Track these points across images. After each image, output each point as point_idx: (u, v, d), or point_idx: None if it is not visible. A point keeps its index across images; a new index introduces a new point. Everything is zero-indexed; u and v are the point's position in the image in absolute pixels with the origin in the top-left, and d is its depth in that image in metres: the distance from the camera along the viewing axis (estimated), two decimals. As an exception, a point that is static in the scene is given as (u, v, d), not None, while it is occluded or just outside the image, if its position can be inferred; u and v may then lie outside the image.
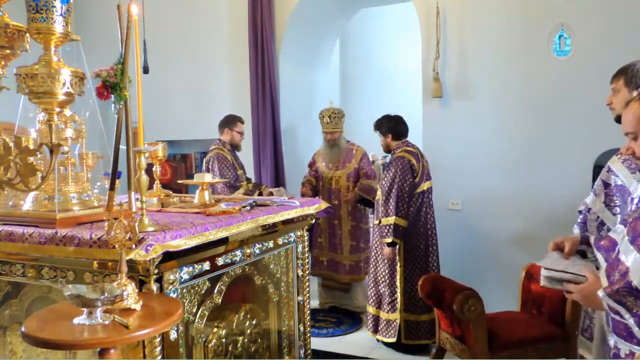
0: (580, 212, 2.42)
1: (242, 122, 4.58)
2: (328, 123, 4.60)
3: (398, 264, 3.80)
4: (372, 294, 3.99)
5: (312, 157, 4.92)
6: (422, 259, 3.81)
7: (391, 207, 3.71)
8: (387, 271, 3.85)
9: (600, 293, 1.55)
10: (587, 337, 2.28)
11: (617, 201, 2.18)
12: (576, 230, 2.34)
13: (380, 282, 3.91)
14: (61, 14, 1.85)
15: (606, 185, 2.24)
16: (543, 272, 1.75)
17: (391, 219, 3.69)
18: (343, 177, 4.66)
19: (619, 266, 1.54)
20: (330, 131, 4.61)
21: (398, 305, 3.79)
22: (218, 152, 4.36)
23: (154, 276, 1.82)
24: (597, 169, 4.18)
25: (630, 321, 1.51)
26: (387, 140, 3.96)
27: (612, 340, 1.64)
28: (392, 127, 3.94)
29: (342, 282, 4.68)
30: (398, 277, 3.79)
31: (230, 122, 4.50)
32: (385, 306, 3.87)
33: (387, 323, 3.88)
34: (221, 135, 4.51)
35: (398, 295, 3.78)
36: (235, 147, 4.50)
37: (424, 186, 3.86)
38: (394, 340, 3.82)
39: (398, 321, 3.79)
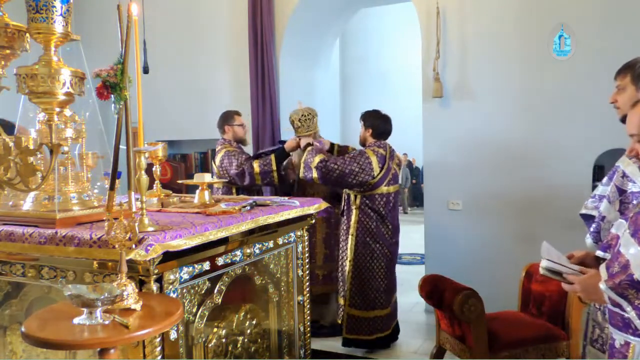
0: (582, 215, 2.35)
1: (239, 115, 4.26)
2: (299, 127, 4.09)
3: (348, 259, 3.83)
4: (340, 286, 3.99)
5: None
6: (375, 259, 3.78)
7: (335, 162, 3.67)
8: (343, 264, 3.91)
9: (602, 286, 1.56)
10: (598, 348, 2.21)
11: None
12: (588, 240, 2.21)
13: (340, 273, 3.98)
14: (61, 14, 1.85)
15: (621, 192, 2.08)
16: (543, 263, 1.76)
17: (317, 160, 3.69)
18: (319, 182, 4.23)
19: (619, 258, 1.56)
20: (303, 135, 4.09)
21: (345, 299, 3.85)
22: (226, 150, 4.07)
23: (154, 276, 1.82)
24: (597, 169, 4.18)
25: (632, 314, 1.53)
26: (366, 135, 3.88)
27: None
28: (377, 124, 3.87)
29: (316, 293, 4.07)
30: (347, 271, 3.84)
31: (227, 118, 4.22)
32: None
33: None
34: (223, 135, 4.23)
35: (346, 289, 3.84)
36: (240, 142, 4.21)
37: (386, 189, 3.78)
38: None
39: (343, 313, 3.87)
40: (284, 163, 4.14)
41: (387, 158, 3.78)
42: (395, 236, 3.91)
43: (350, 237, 3.80)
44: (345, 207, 3.92)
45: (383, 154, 3.77)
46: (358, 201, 3.77)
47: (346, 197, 3.90)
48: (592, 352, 2.23)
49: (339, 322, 3.98)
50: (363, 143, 3.96)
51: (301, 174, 3.84)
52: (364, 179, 3.66)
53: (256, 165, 3.97)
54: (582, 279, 1.68)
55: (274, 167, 4.00)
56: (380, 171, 3.71)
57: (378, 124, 3.87)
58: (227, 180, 4.05)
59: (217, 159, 4.11)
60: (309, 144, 3.88)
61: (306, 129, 4.15)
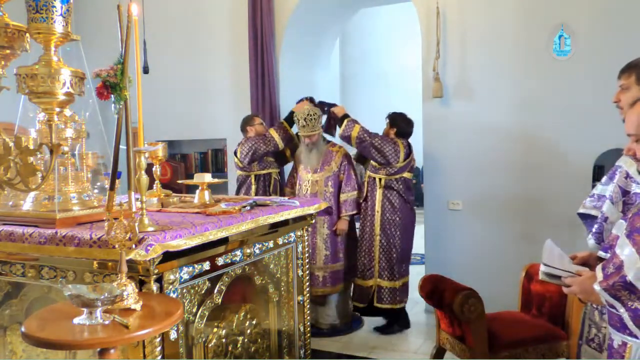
0: (580, 214, 2.34)
1: (258, 116, 4.71)
2: (304, 127, 4.24)
3: (375, 234, 4.22)
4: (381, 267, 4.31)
5: (293, 160, 4.67)
6: (397, 229, 4.23)
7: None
8: (371, 246, 4.26)
9: (597, 287, 1.57)
10: (594, 348, 2.21)
11: None
12: (591, 241, 2.19)
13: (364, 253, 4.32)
14: (61, 14, 1.84)
15: (625, 192, 2.06)
16: (542, 268, 1.78)
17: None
18: (321, 181, 4.33)
19: (614, 259, 1.57)
20: (307, 135, 4.26)
21: (375, 273, 4.23)
22: (249, 136, 4.50)
23: (154, 276, 1.82)
24: (597, 169, 4.18)
25: (625, 315, 1.53)
26: (391, 132, 4.27)
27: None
28: (403, 127, 4.28)
29: (315, 295, 4.14)
30: (375, 247, 4.22)
31: (248, 120, 4.61)
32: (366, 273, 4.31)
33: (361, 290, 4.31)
34: (246, 135, 4.56)
35: (374, 264, 4.24)
36: None
37: (406, 175, 4.25)
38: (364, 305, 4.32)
39: (373, 287, 4.22)
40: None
41: (410, 153, 4.27)
42: (413, 213, 4.35)
43: (376, 213, 4.22)
44: (369, 192, 4.29)
45: (409, 149, 4.26)
46: (383, 182, 4.22)
47: (370, 182, 4.27)
48: (588, 351, 2.23)
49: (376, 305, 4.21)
50: None
51: (341, 131, 4.27)
52: (390, 158, 4.13)
53: (274, 132, 4.47)
54: (580, 281, 1.69)
55: (282, 120, 4.56)
56: (404, 160, 4.19)
57: (403, 126, 4.28)
58: (250, 158, 4.35)
59: (239, 147, 4.43)
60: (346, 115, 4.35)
61: (310, 128, 4.24)
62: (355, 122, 4.22)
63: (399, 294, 4.22)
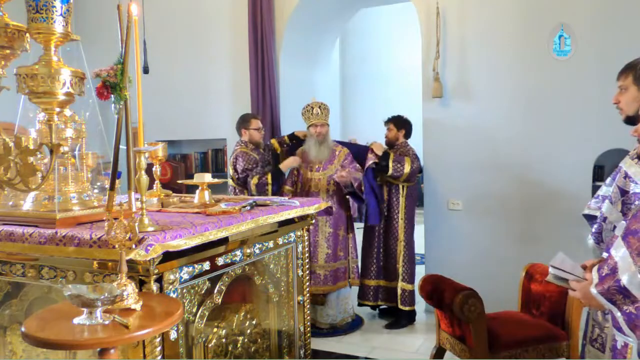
0: (585, 216, 2.35)
1: (257, 118, 4.54)
2: (318, 114, 4.29)
3: (399, 240, 4.40)
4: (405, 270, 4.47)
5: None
6: (412, 234, 4.49)
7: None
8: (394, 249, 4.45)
9: (593, 290, 1.59)
10: (598, 348, 2.21)
11: None
12: (590, 241, 2.21)
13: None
14: (61, 14, 1.84)
15: (623, 192, 2.06)
16: (551, 270, 1.83)
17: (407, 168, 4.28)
18: (324, 180, 4.33)
19: (609, 260, 1.59)
20: (320, 123, 4.29)
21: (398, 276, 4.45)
22: (241, 150, 4.35)
23: (154, 276, 1.82)
24: (597, 169, 4.18)
25: (621, 320, 1.56)
26: (399, 135, 4.50)
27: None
28: (407, 128, 4.54)
29: (316, 292, 4.17)
30: (399, 252, 4.41)
31: (244, 121, 4.48)
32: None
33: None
34: (241, 137, 4.47)
35: (399, 267, 4.44)
36: (256, 145, 4.44)
37: (419, 175, 4.52)
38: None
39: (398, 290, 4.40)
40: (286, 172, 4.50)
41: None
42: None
43: (400, 220, 4.40)
44: (392, 198, 4.44)
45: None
46: (405, 192, 4.40)
47: (393, 189, 4.41)
48: (591, 351, 2.23)
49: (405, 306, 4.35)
50: (393, 142, 4.51)
51: (391, 171, 4.27)
52: (420, 164, 4.45)
53: (255, 179, 4.22)
54: (583, 286, 1.70)
55: (269, 181, 4.23)
56: (420, 167, 4.49)
57: (408, 128, 4.54)
58: (243, 180, 4.30)
59: (236, 160, 4.32)
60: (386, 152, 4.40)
61: (324, 117, 4.34)
62: (402, 156, 4.30)
63: (414, 295, 4.35)
